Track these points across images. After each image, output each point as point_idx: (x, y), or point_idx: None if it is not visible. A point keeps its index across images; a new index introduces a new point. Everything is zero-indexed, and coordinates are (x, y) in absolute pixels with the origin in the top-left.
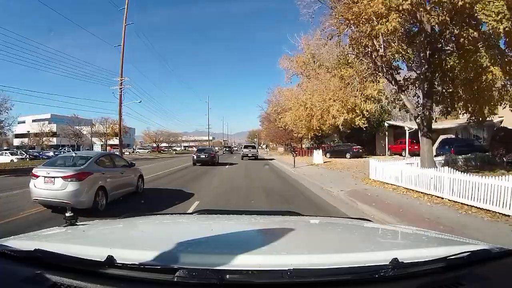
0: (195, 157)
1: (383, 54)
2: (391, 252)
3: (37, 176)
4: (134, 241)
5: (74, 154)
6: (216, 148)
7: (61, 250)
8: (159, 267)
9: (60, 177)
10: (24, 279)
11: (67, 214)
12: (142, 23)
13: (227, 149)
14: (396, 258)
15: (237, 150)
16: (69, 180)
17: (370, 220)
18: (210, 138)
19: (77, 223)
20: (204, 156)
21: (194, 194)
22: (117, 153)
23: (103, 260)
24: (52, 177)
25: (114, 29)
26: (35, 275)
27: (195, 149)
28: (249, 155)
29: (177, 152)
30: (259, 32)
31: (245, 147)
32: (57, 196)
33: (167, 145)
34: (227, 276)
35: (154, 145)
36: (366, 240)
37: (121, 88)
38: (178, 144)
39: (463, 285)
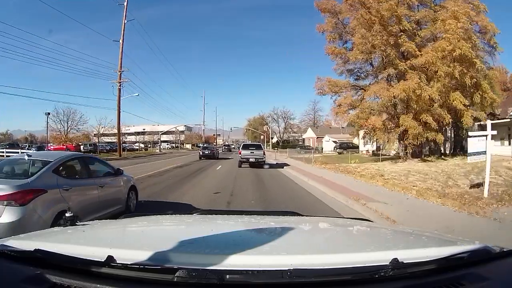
0: (201, 153)
1: None
2: (391, 252)
3: None
4: (134, 241)
5: (26, 157)
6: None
7: (61, 250)
8: (159, 267)
9: None
10: (24, 279)
11: (67, 214)
12: (141, 18)
13: (226, 147)
14: (396, 258)
15: (234, 148)
16: (4, 203)
17: (370, 220)
18: (182, 128)
19: (77, 223)
20: (207, 152)
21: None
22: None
23: (103, 260)
24: None
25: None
26: (35, 275)
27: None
28: (250, 159)
29: None
30: (254, 29)
31: (245, 146)
32: None
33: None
34: (227, 276)
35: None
36: (366, 240)
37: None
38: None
39: (463, 285)
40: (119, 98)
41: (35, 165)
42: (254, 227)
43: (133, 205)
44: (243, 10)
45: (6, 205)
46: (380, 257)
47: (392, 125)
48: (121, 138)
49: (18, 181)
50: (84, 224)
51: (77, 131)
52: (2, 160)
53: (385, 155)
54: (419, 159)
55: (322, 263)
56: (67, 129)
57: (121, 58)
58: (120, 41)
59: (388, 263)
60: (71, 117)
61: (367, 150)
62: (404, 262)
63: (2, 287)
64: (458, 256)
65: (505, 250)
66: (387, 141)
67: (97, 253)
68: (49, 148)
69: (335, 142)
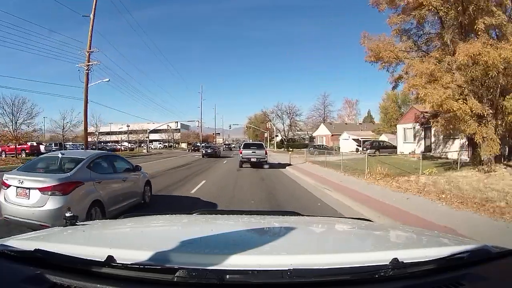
0: (204, 152)
1: None
2: (391, 252)
3: (8, 186)
4: (134, 241)
5: (60, 155)
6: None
7: (61, 250)
8: (159, 267)
9: (37, 188)
10: (24, 279)
11: (67, 214)
12: (141, 18)
13: (226, 146)
14: (396, 258)
15: (234, 147)
16: (49, 193)
17: (370, 220)
18: (173, 125)
19: (77, 223)
20: (210, 151)
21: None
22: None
23: (103, 260)
24: (26, 188)
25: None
26: (35, 275)
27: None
28: (252, 159)
29: None
30: (253, 29)
31: (246, 146)
32: (32, 216)
33: None
34: (227, 276)
35: None
36: (366, 240)
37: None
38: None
39: (463, 285)
40: (87, 85)
41: (69, 162)
42: (254, 227)
43: (148, 198)
44: (243, 10)
45: (50, 195)
46: (380, 257)
47: (490, 111)
48: (97, 137)
49: (61, 175)
50: (84, 224)
51: (27, 126)
52: (38, 157)
53: (438, 157)
54: (502, 164)
55: (322, 263)
56: (16, 123)
57: (91, 36)
58: (91, 15)
59: (388, 263)
60: (19, 108)
61: (412, 152)
62: (404, 262)
63: (2, 287)
64: (457, 256)
65: (504, 250)
66: (481, 137)
67: (97, 253)
68: (5, 148)
69: (356, 140)
